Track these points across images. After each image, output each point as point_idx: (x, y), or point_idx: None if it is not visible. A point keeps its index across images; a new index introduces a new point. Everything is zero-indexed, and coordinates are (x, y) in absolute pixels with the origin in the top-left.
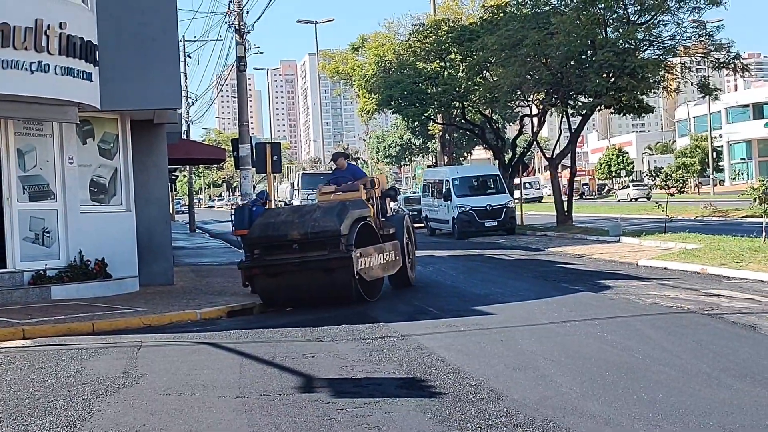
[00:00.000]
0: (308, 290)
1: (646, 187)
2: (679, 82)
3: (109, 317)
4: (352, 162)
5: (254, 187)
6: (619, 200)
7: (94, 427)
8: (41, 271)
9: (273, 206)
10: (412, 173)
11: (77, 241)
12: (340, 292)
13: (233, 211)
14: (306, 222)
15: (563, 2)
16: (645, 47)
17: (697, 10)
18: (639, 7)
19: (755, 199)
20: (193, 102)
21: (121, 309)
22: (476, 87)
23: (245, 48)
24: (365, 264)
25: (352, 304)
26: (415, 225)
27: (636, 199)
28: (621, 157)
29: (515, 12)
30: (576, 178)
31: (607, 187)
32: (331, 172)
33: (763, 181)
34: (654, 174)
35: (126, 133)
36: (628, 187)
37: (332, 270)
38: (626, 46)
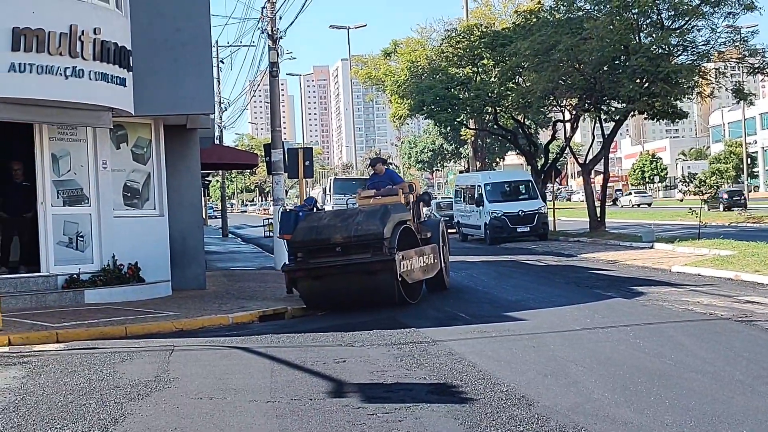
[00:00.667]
0: (351, 293)
1: (648, 195)
2: (714, 88)
3: (142, 321)
4: (390, 167)
5: (286, 192)
6: (622, 206)
7: (125, 430)
8: (75, 275)
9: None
10: (444, 179)
11: (111, 245)
12: (383, 295)
13: (280, 215)
14: (349, 225)
15: (596, 7)
16: (679, 52)
17: (731, 15)
18: (673, 13)
19: None
20: (226, 107)
21: (153, 313)
22: (509, 92)
23: (278, 53)
24: (407, 267)
25: (384, 310)
26: (448, 230)
27: (638, 206)
28: (654, 163)
29: (548, 17)
30: (609, 184)
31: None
32: (358, 176)
33: None
34: (688, 180)
35: (159, 138)
36: (630, 194)
37: (375, 272)
38: (660, 51)
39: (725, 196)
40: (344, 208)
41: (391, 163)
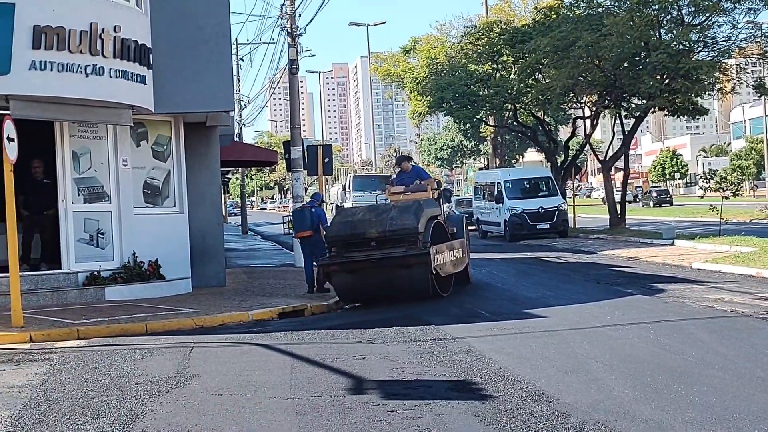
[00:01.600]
0: (385, 286)
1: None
2: (735, 84)
3: (162, 318)
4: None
5: (306, 189)
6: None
7: (146, 426)
8: (95, 272)
9: (324, 207)
10: (463, 176)
11: (131, 242)
12: (417, 288)
13: (291, 214)
14: (383, 220)
15: (616, 3)
16: (699, 48)
17: (752, 11)
18: (693, 9)
19: None
20: (245, 104)
21: (173, 310)
22: (528, 89)
23: (297, 51)
24: (440, 260)
25: (404, 306)
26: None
27: (660, 204)
28: (675, 160)
29: (568, 14)
30: (629, 181)
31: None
32: (378, 173)
33: None
34: (709, 177)
35: (179, 136)
36: (648, 193)
37: (410, 266)
38: (680, 47)
39: (654, 194)
40: (377, 204)
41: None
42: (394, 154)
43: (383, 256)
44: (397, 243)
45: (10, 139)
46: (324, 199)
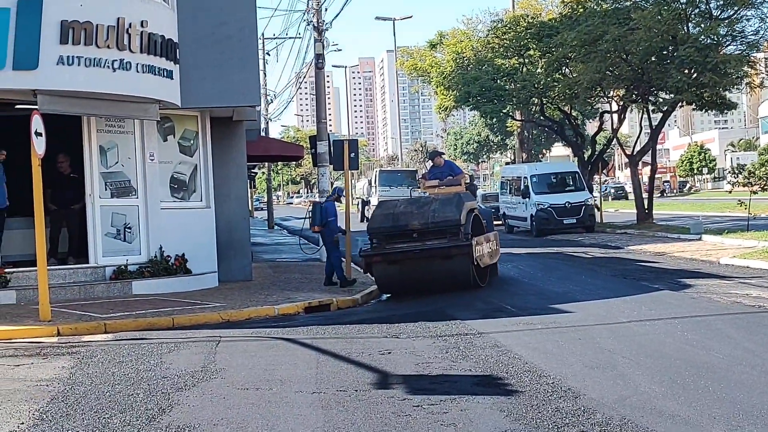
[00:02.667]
0: (427, 277)
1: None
2: (763, 78)
3: (189, 312)
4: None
5: (332, 184)
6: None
7: (173, 420)
8: (122, 266)
9: (342, 202)
10: (490, 170)
11: (158, 236)
12: (458, 279)
13: (312, 207)
14: (426, 212)
15: None
16: (728, 42)
17: None
18: (721, 2)
19: None
20: (271, 99)
21: (200, 304)
22: (555, 83)
23: (323, 45)
24: (480, 251)
25: (428, 301)
26: (493, 223)
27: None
28: (703, 154)
29: (595, 7)
30: (657, 176)
31: (689, 185)
32: (404, 168)
33: None
34: (737, 171)
35: (206, 130)
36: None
37: (451, 257)
38: (708, 41)
39: (612, 190)
40: (417, 196)
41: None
42: (421, 149)
43: (426, 247)
44: (439, 235)
45: (37, 134)
46: (343, 193)
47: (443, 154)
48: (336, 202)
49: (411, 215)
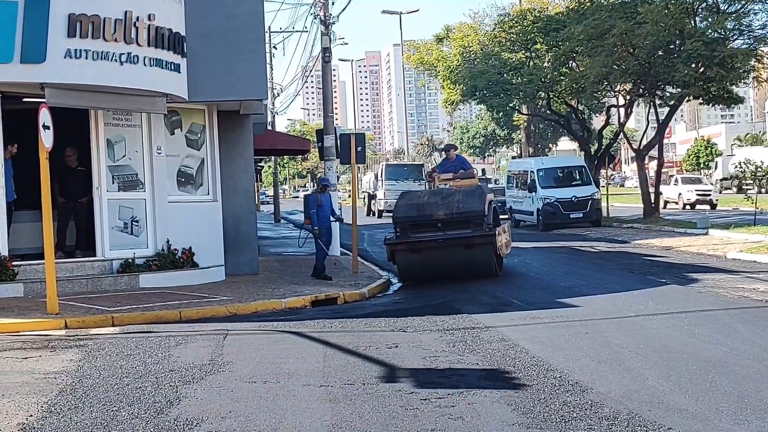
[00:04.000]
0: (449, 265)
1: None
2: None
3: (196, 305)
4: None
5: (338, 178)
6: (665, 204)
7: (180, 413)
8: (130, 260)
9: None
10: (496, 164)
11: (165, 230)
12: (481, 268)
13: (303, 199)
14: (450, 203)
15: None
16: (735, 37)
17: None
18: None
19: None
20: (278, 93)
21: (207, 297)
22: (562, 77)
23: (330, 39)
24: (500, 241)
25: (435, 295)
26: (500, 216)
27: (692, 206)
28: (709, 149)
29: (602, 1)
30: (663, 170)
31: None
32: (410, 162)
33: None
34: (744, 166)
35: (213, 124)
36: (677, 183)
37: (474, 246)
38: (715, 35)
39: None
40: (438, 188)
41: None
42: (427, 143)
43: (451, 236)
44: (463, 225)
45: (45, 127)
46: (329, 183)
47: (456, 148)
48: (321, 194)
49: (435, 205)
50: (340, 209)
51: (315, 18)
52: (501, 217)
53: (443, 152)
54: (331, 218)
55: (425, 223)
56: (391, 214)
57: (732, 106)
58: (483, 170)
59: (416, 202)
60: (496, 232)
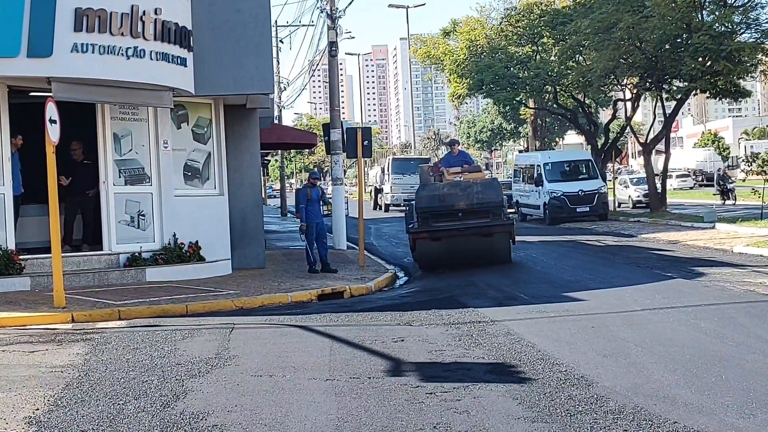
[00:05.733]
0: (467, 253)
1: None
2: None
3: (203, 299)
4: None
5: (345, 171)
6: (619, 204)
7: (186, 406)
8: (136, 254)
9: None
10: (503, 158)
11: (171, 224)
12: (498, 255)
13: (295, 193)
14: (470, 194)
15: None
16: (742, 30)
17: None
18: None
19: None
20: (285, 87)
21: (214, 291)
22: (569, 71)
23: (336, 33)
24: (515, 231)
25: (441, 290)
26: (507, 210)
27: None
28: (717, 143)
29: None
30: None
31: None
32: (417, 156)
33: None
34: (751, 159)
35: (219, 118)
36: (627, 186)
37: (492, 234)
38: (722, 29)
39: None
40: (457, 181)
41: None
42: (434, 137)
43: (471, 225)
44: (482, 214)
45: (52, 121)
46: (318, 176)
47: (460, 143)
48: (311, 188)
49: (456, 196)
50: (347, 203)
51: (321, 12)
52: (509, 211)
53: (448, 146)
54: (325, 210)
55: (446, 212)
56: (398, 208)
57: (739, 99)
58: (487, 164)
59: (438, 193)
60: (513, 221)
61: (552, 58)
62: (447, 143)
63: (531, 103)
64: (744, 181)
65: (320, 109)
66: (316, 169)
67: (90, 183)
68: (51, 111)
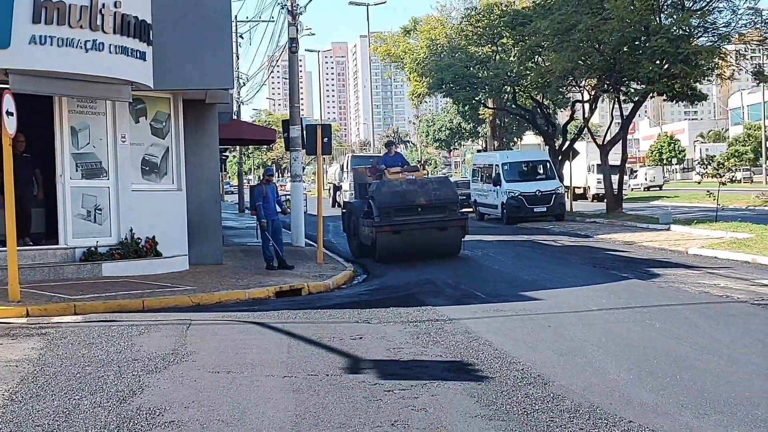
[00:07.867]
0: (424, 245)
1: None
2: (734, 70)
3: (159, 295)
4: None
5: (303, 168)
6: (632, 189)
7: (143, 402)
8: (93, 248)
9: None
10: (461, 158)
11: (128, 218)
12: (451, 247)
13: (249, 190)
14: (428, 191)
15: None
16: (699, 34)
17: None
18: None
19: None
20: (244, 83)
21: (170, 287)
22: (528, 72)
23: (297, 29)
24: (467, 225)
25: (400, 287)
26: (465, 210)
27: (648, 188)
28: (672, 145)
29: None
30: (627, 165)
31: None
32: (376, 154)
33: None
34: (706, 162)
35: (178, 113)
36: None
37: (448, 229)
38: (680, 32)
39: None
40: (412, 179)
41: (407, 142)
42: (393, 135)
43: (429, 219)
44: (439, 210)
45: (9, 114)
46: (272, 173)
47: (396, 144)
48: (266, 185)
49: (416, 193)
50: (306, 200)
51: (282, 8)
52: (467, 210)
53: (386, 147)
54: (278, 209)
55: (405, 208)
56: None
57: (695, 103)
58: (424, 164)
59: (398, 190)
60: (467, 217)
61: (511, 58)
62: (384, 144)
63: (490, 103)
64: (699, 183)
65: (279, 105)
66: (273, 166)
67: (27, 176)
68: (8, 103)
